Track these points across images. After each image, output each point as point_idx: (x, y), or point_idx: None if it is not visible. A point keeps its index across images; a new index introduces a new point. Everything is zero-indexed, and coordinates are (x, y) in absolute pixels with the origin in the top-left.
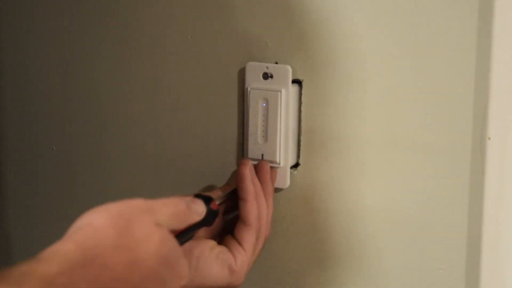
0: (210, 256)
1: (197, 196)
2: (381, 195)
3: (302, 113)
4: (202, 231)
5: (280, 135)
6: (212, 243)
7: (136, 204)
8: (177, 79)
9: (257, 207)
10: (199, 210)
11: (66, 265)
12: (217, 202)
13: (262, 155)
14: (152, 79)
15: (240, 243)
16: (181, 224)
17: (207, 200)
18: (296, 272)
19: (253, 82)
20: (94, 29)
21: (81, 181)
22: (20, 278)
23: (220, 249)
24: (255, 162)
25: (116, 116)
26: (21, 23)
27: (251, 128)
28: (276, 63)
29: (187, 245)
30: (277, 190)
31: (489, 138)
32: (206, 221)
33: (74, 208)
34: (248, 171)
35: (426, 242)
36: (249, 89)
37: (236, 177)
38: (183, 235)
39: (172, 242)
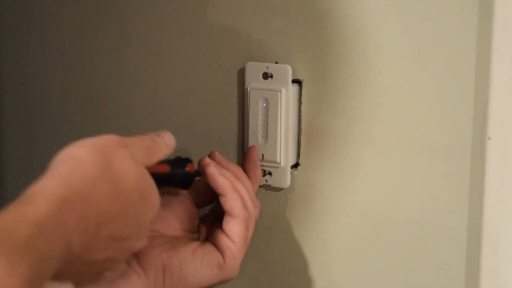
0: (194, 261)
1: (177, 157)
2: (381, 195)
3: (302, 113)
4: (179, 225)
5: (280, 135)
6: (193, 245)
7: (112, 139)
8: (177, 79)
9: (238, 196)
10: (168, 142)
11: (54, 204)
12: (196, 168)
13: (263, 155)
14: (152, 79)
15: (229, 236)
16: (152, 158)
17: (185, 162)
18: (296, 272)
19: (253, 82)
20: (94, 29)
21: None
22: (13, 225)
23: (204, 250)
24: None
25: (116, 116)
26: (21, 23)
27: (251, 128)
28: (276, 63)
29: (166, 257)
30: (277, 190)
31: (489, 138)
32: (182, 182)
33: None
34: (212, 169)
35: (426, 242)
36: (249, 89)
37: (206, 177)
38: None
39: (147, 175)
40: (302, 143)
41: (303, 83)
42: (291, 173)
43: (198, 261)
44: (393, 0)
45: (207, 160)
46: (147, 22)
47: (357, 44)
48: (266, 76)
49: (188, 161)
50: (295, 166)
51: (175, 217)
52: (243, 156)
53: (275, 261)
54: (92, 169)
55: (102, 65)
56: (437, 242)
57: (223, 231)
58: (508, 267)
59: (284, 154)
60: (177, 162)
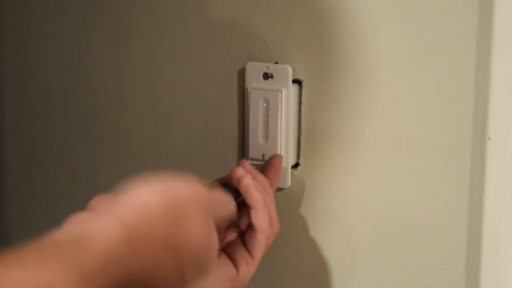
0: (209, 275)
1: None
2: (381, 195)
3: (302, 113)
4: None
5: (280, 135)
6: None
7: (194, 192)
8: (177, 79)
9: (267, 212)
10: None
11: (111, 257)
12: None
13: (263, 155)
14: (152, 79)
15: (249, 251)
16: (221, 213)
17: (236, 192)
18: (296, 272)
19: (253, 82)
20: (94, 29)
21: (81, 181)
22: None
23: (219, 263)
24: (255, 162)
25: (116, 116)
26: (21, 23)
27: (251, 128)
28: (276, 63)
29: None
30: (277, 190)
31: (489, 138)
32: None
33: (74, 208)
34: (249, 181)
35: (426, 242)
36: (249, 89)
37: (240, 188)
38: None
39: (215, 243)
40: (302, 143)
41: (303, 83)
42: (291, 173)
43: (212, 275)
44: (393, 0)
45: (242, 171)
46: (147, 22)
47: (357, 44)
48: (266, 76)
49: (237, 191)
50: (295, 166)
51: None
52: (266, 162)
53: (275, 261)
54: (158, 227)
55: (102, 65)
56: (437, 242)
57: (243, 245)
58: (508, 267)
59: (285, 154)
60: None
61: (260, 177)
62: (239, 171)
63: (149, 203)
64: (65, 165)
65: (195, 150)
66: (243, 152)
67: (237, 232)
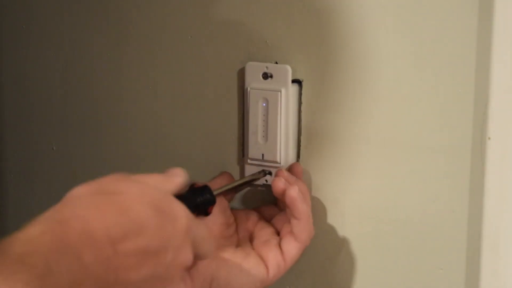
0: (241, 275)
1: (191, 185)
2: (381, 195)
3: (302, 113)
4: (217, 229)
5: (280, 135)
6: (240, 256)
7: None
8: (177, 79)
9: (310, 224)
10: (177, 173)
11: (47, 225)
12: (215, 193)
13: (263, 155)
14: (152, 79)
15: (284, 255)
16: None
17: (206, 189)
18: (296, 272)
19: (253, 82)
20: (94, 29)
21: (81, 181)
22: (6, 245)
23: (250, 263)
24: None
25: (115, 116)
26: (21, 23)
27: (251, 128)
28: (276, 63)
29: (215, 267)
30: None
31: (489, 138)
32: (200, 208)
33: None
34: (296, 193)
35: (426, 242)
36: (249, 89)
37: (286, 199)
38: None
39: (158, 189)
40: (302, 143)
41: (303, 83)
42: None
43: (244, 276)
44: (393, 0)
45: (283, 181)
46: (147, 22)
47: (357, 44)
48: (266, 76)
49: (207, 189)
50: None
51: (213, 221)
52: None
53: None
54: (88, 195)
55: (102, 65)
56: (437, 242)
57: (280, 248)
58: (508, 267)
59: (284, 154)
60: (197, 192)
61: (300, 184)
62: (280, 182)
63: (75, 191)
64: (65, 165)
65: (195, 149)
66: (242, 152)
67: (272, 232)
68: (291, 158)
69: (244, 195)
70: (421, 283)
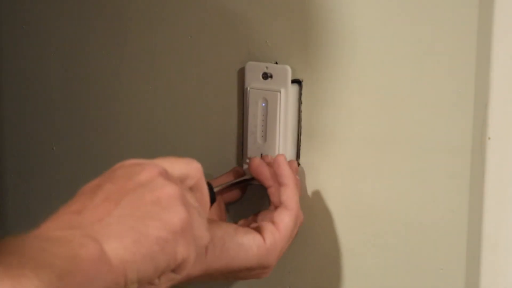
0: (237, 235)
1: None
2: (381, 195)
3: (302, 113)
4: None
5: (279, 135)
6: (234, 225)
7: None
8: (177, 79)
9: (297, 191)
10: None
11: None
12: (215, 190)
13: (262, 154)
14: (152, 79)
15: (276, 224)
16: None
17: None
18: (296, 272)
19: (253, 82)
20: (94, 29)
21: (81, 181)
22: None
23: (245, 229)
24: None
25: (115, 116)
26: (21, 23)
27: (250, 128)
28: (276, 63)
29: (210, 227)
30: None
31: (489, 138)
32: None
33: None
34: (283, 159)
35: (426, 242)
36: (248, 89)
37: (273, 165)
38: None
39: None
40: (302, 143)
41: (303, 83)
42: None
43: (240, 236)
44: (393, 0)
45: (260, 160)
46: (147, 22)
47: (357, 44)
48: (265, 76)
49: (209, 187)
50: None
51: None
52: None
53: None
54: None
55: (102, 65)
56: (437, 242)
57: (271, 220)
58: (508, 267)
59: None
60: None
61: (292, 162)
62: (257, 159)
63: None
64: (65, 165)
65: (194, 149)
66: (242, 151)
67: (262, 220)
68: (290, 158)
69: (242, 196)
70: (421, 283)
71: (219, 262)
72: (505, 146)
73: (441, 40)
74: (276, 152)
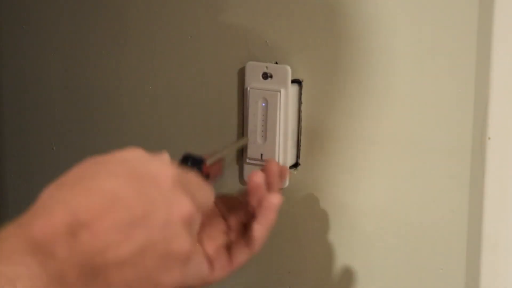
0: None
1: (187, 156)
2: (381, 195)
3: (302, 113)
4: None
5: (279, 134)
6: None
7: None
8: (177, 79)
9: (267, 234)
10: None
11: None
12: (209, 162)
13: (261, 154)
14: (152, 79)
15: (232, 259)
16: None
17: (199, 162)
18: (296, 272)
19: (253, 82)
20: (94, 29)
21: None
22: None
23: (194, 260)
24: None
25: (115, 116)
26: (21, 23)
27: (250, 128)
28: (276, 63)
29: None
30: None
31: (489, 138)
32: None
33: None
34: (279, 203)
35: (426, 242)
36: (248, 89)
37: (264, 202)
38: None
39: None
40: (302, 143)
41: (303, 83)
42: (291, 173)
43: (187, 268)
44: (393, 0)
45: (264, 179)
46: (147, 22)
47: (357, 44)
48: (266, 76)
49: (202, 161)
50: (295, 166)
51: None
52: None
53: (275, 261)
54: (55, 189)
55: (102, 65)
56: (437, 242)
57: (229, 253)
58: (508, 267)
59: (283, 154)
60: (193, 162)
61: (276, 186)
62: (260, 178)
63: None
64: (65, 165)
65: (194, 148)
66: (242, 151)
67: (222, 230)
68: (290, 158)
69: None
70: (421, 283)
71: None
72: (505, 146)
73: (441, 40)
74: (276, 152)
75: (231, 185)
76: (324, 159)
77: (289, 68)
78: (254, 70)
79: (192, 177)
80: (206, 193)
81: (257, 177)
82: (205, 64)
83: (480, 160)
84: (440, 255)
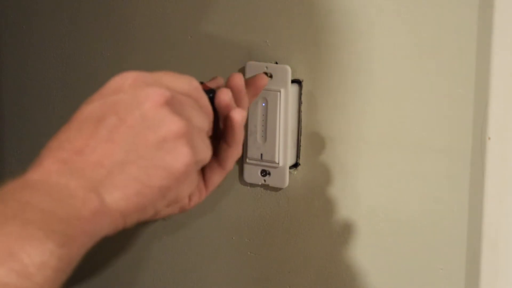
0: None
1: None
2: (381, 195)
3: (302, 113)
4: None
5: (279, 134)
6: None
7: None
8: None
9: (239, 151)
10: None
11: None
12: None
13: (261, 154)
14: None
15: (206, 182)
16: None
17: (211, 92)
18: (296, 272)
19: None
20: (94, 29)
21: None
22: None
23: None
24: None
25: None
26: (21, 23)
27: (250, 128)
28: (276, 63)
29: None
30: (276, 189)
31: (489, 138)
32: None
33: None
34: (241, 117)
35: (426, 242)
36: None
37: (227, 121)
38: None
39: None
40: (302, 143)
41: (303, 83)
42: (291, 173)
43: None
44: (393, 0)
45: (229, 97)
46: (147, 22)
47: (357, 44)
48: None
49: (213, 92)
50: (295, 166)
51: None
52: (252, 80)
53: (275, 261)
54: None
55: (102, 65)
56: (437, 242)
57: (201, 173)
58: (508, 267)
59: (283, 154)
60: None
61: (244, 103)
62: (227, 96)
63: None
64: None
65: None
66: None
67: None
68: (291, 158)
69: (241, 195)
70: (421, 283)
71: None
72: (505, 146)
73: (441, 40)
74: (276, 152)
75: (231, 185)
76: (324, 159)
77: (289, 68)
78: (254, 70)
79: (189, 101)
80: (184, 82)
81: (223, 95)
82: (205, 64)
83: (480, 160)
84: (440, 255)
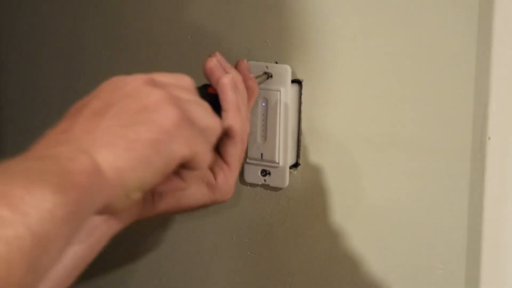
0: None
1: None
2: (381, 195)
3: (302, 113)
4: None
5: (279, 134)
6: None
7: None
8: None
9: (240, 115)
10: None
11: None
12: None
13: (262, 154)
14: None
15: (223, 158)
16: None
17: (205, 87)
18: (296, 272)
19: None
20: (94, 29)
21: None
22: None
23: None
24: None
25: None
26: (21, 23)
27: (250, 128)
28: (276, 63)
29: None
30: (276, 189)
31: (489, 138)
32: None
33: None
34: (228, 80)
35: (426, 242)
36: None
37: (217, 85)
38: None
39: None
40: (302, 143)
41: (303, 83)
42: (291, 173)
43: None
44: (393, 0)
45: (215, 62)
46: (147, 22)
47: (357, 44)
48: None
49: (208, 86)
50: (295, 166)
51: None
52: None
53: (275, 261)
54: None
55: (102, 65)
56: (437, 242)
57: (217, 152)
58: (508, 267)
59: (283, 154)
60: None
61: (233, 71)
62: (212, 63)
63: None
64: None
65: None
66: None
67: None
68: (291, 158)
69: (241, 194)
70: (421, 283)
71: (177, 201)
72: (505, 146)
73: (441, 40)
74: (276, 152)
75: None
76: (324, 159)
77: (289, 68)
78: (254, 70)
79: (174, 83)
80: (187, 93)
81: (207, 62)
82: None
83: (480, 160)
84: (440, 254)
